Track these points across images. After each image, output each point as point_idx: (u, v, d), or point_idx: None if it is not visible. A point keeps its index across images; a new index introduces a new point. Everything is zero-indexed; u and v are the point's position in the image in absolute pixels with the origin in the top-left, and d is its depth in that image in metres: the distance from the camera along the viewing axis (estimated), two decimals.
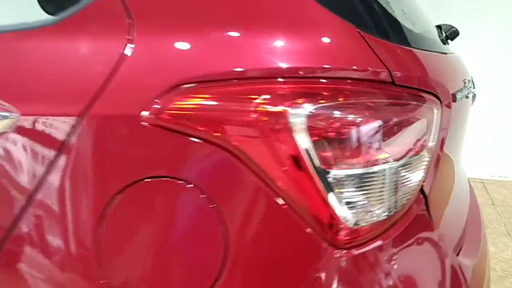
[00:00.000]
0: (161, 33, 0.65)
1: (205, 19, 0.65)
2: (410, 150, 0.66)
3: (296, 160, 0.59)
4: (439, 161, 0.76)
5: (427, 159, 0.70)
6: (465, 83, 0.92)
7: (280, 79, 0.61)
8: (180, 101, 0.60)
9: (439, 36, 1.16)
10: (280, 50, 0.61)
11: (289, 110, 0.58)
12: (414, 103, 0.69)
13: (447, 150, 0.94)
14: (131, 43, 0.63)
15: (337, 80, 0.62)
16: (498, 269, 2.22)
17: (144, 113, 0.61)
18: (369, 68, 0.63)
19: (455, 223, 0.96)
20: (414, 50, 0.76)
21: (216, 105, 0.60)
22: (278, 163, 0.59)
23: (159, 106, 0.60)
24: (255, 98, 0.59)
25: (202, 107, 0.60)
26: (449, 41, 1.22)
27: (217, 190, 0.61)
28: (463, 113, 0.98)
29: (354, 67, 0.63)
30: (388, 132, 0.63)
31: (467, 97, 0.92)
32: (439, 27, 1.27)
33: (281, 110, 0.58)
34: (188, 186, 0.61)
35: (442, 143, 0.76)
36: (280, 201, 0.60)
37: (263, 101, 0.59)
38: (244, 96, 0.60)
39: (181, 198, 0.62)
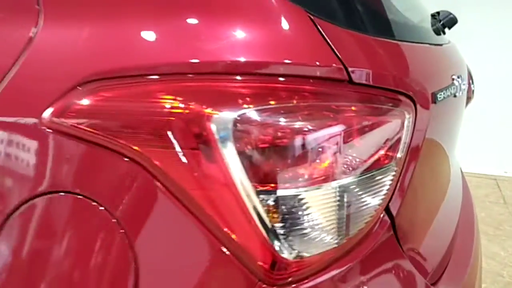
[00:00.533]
0: (72, 20, 0.54)
1: (123, 5, 0.54)
2: (370, 163, 0.55)
3: (221, 177, 0.48)
4: (413, 173, 0.64)
5: (394, 172, 0.58)
6: (453, 79, 0.79)
7: (206, 76, 0.49)
8: (88, 101, 0.50)
9: (433, 25, 1.02)
10: (202, 40, 0.49)
11: (212, 113, 0.47)
12: (379, 106, 0.56)
13: (437, 151, 0.82)
14: (37, 32, 0.53)
15: (276, 78, 0.50)
16: (506, 275, 2.07)
17: (46, 116, 0.50)
18: (319, 63, 0.52)
19: (439, 240, 0.84)
20: (386, 40, 0.63)
21: (129, 107, 0.49)
22: (199, 181, 0.48)
23: (62, 107, 0.50)
24: (174, 99, 0.48)
25: (113, 109, 0.50)
26: (446, 29, 1.08)
27: (126, 212, 0.50)
28: (452, 113, 0.85)
29: (300, 62, 0.51)
30: (341, 142, 0.51)
31: (455, 95, 0.78)
32: (437, 13, 1.13)
33: (203, 114, 0.47)
34: (94, 205, 0.50)
35: (416, 151, 0.64)
36: (202, 228, 0.49)
37: (183, 103, 0.48)
38: (163, 97, 0.49)
39: (85, 219, 0.51)
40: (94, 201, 0.50)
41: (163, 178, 0.49)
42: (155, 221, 0.50)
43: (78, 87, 0.50)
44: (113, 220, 0.50)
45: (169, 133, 0.48)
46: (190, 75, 0.49)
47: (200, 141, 0.47)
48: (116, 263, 0.50)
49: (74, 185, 0.51)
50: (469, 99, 1.10)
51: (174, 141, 0.48)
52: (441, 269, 0.81)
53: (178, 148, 0.48)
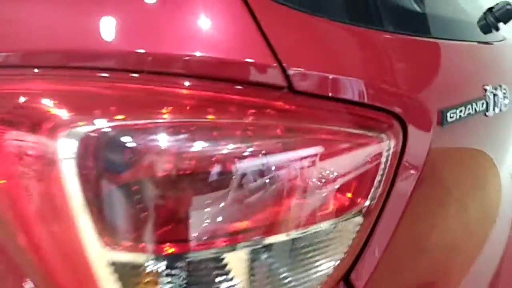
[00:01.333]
0: None
1: None
2: (313, 213, 0.36)
3: (67, 229, 0.32)
4: (398, 223, 0.44)
5: (358, 227, 0.39)
6: (485, 90, 0.56)
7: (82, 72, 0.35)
8: None
9: (482, 20, 0.79)
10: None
11: (61, 125, 0.31)
12: (338, 129, 0.38)
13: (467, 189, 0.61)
14: None
15: (171, 78, 0.34)
16: None
17: None
18: (240, 58, 0.34)
19: None
20: (367, 30, 0.44)
21: None
22: (28, 228, 0.33)
23: None
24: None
25: None
26: (500, 24, 0.84)
27: None
28: (486, 138, 0.62)
29: (207, 55, 0.34)
30: (263, 181, 0.33)
31: (486, 114, 0.56)
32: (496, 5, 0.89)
33: (46, 126, 0.32)
34: None
35: (405, 191, 0.44)
36: None
37: (25, 109, 0.33)
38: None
39: None
40: None
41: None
42: None
43: None
44: None
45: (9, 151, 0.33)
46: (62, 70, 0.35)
47: (40, 166, 0.32)
48: None
49: None
50: None
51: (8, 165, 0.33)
52: None
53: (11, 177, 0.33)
